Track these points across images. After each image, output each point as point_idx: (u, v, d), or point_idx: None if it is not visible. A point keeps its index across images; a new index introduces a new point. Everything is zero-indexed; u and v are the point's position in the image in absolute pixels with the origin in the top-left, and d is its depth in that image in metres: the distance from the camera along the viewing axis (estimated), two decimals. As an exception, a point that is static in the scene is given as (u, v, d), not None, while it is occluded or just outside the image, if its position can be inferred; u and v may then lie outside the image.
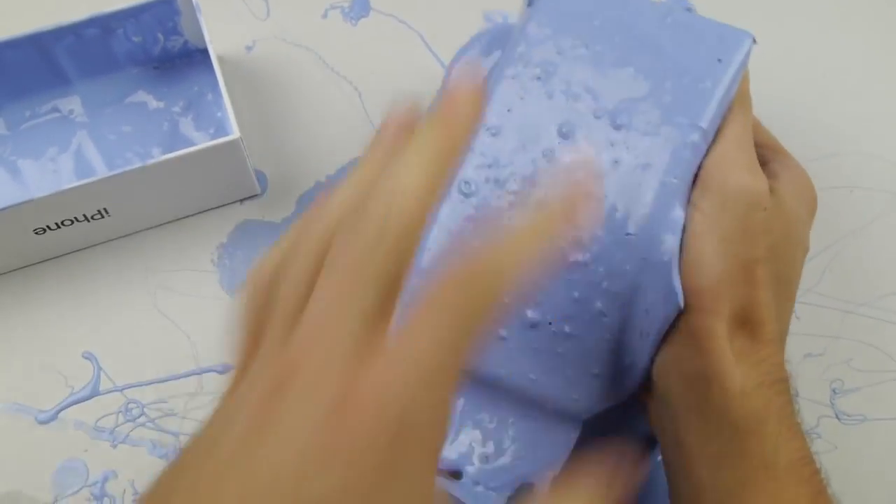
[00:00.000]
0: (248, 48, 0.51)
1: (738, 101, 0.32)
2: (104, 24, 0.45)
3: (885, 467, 0.41)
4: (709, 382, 0.29)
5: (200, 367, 0.43)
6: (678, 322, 0.30)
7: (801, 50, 0.49)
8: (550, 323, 0.32)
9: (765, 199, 0.31)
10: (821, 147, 0.46)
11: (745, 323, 0.30)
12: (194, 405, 0.43)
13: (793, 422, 0.29)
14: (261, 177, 0.47)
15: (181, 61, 0.49)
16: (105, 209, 0.42)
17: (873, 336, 0.43)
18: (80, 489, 0.41)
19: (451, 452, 0.33)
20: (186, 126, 0.47)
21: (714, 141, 0.32)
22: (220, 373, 0.43)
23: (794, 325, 0.42)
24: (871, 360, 0.43)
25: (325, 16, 0.52)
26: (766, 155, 0.34)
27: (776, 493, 0.28)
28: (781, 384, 0.30)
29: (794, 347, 0.43)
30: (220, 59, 0.45)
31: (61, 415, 0.43)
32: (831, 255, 0.44)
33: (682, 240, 0.31)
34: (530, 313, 0.32)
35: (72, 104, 0.48)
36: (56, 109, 0.48)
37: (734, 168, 0.31)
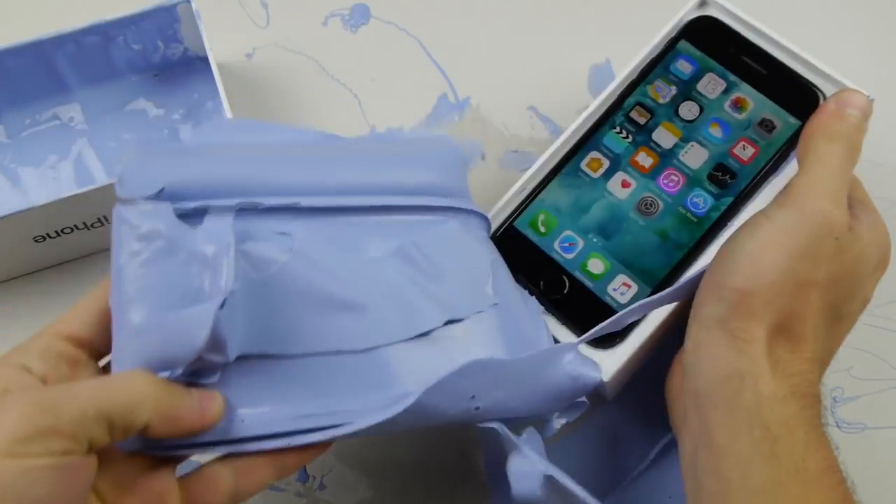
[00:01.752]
0: (249, 55, 0.51)
1: (845, 142, 0.34)
2: (104, 32, 0.45)
3: (886, 475, 0.41)
4: (742, 382, 0.30)
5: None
6: (713, 321, 0.31)
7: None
8: None
9: (839, 230, 0.32)
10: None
11: (788, 335, 0.31)
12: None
13: (821, 433, 0.30)
14: (261, 184, 0.47)
15: (181, 69, 0.49)
16: (105, 217, 0.42)
17: (873, 344, 0.43)
18: (79, 497, 0.41)
19: None
20: (186, 133, 0.47)
21: (808, 166, 0.33)
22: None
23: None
24: (872, 368, 0.43)
25: (325, 23, 0.52)
26: (854, 205, 0.34)
27: (806, 497, 0.28)
28: (813, 398, 0.30)
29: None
30: (221, 66, 0.45)
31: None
32: (831, 263, 0.44)
33: (737, 242, 0.32)
34: None
35: (72, 112, 0.48)
36: (56, 117, 0.48)
37: (819, 193, 0.32)
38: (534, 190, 0.40)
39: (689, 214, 0.38)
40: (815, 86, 0.39)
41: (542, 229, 0.39)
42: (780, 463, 0.29)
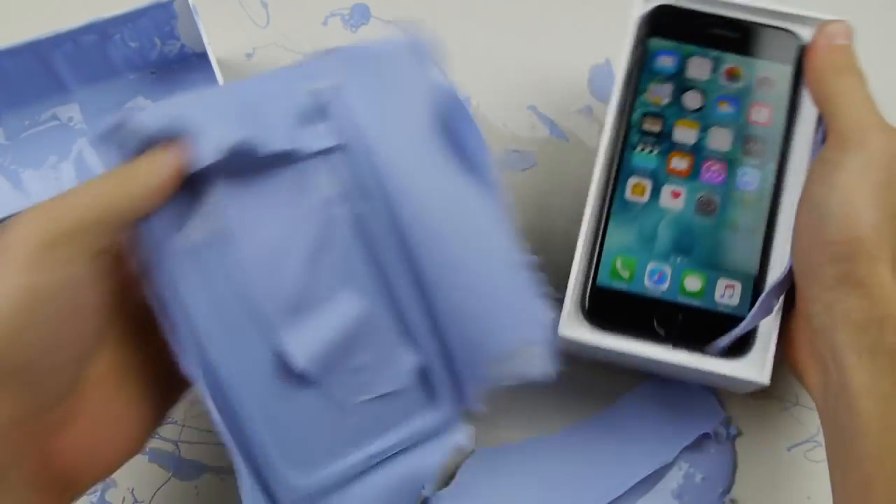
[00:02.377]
0: (248, 55, 0.51)
1: (853, 69, 0.35)
2: (102, 30, 0.45)
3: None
4: (882, 324, 0.31)
5: (200, 375, 0.43)
6: (836, 280, 0.32)
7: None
8: None
9: None
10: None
11: None
12: (194, 413, 0.43)
13: None
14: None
15: (178, 66, 0.49)
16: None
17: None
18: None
19: None
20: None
21: (839, 104, 0.35)
22: (220, 380, 0.43)
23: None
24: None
25: (325, 23, 0.52)
26: None
27: None
28: None
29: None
30: (220, 64, 0.45)
31: (60, 423, 0.43)
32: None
33: (819, 196, 0.33)
34: None
35: (71, 112, 0.48)
36: (55, 117, 0.48)
37: (868, 125, 0.33)
38: (595, 242, 0.38)
39: (746, 195, 0.38)
40: (786, 29, 0.39)
41: (626, 274, 0.37)
42: None
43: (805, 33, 0.39)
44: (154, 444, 0.42)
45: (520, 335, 0.32)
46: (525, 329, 0.32)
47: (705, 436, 0.41)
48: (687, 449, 0.41)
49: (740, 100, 0.39)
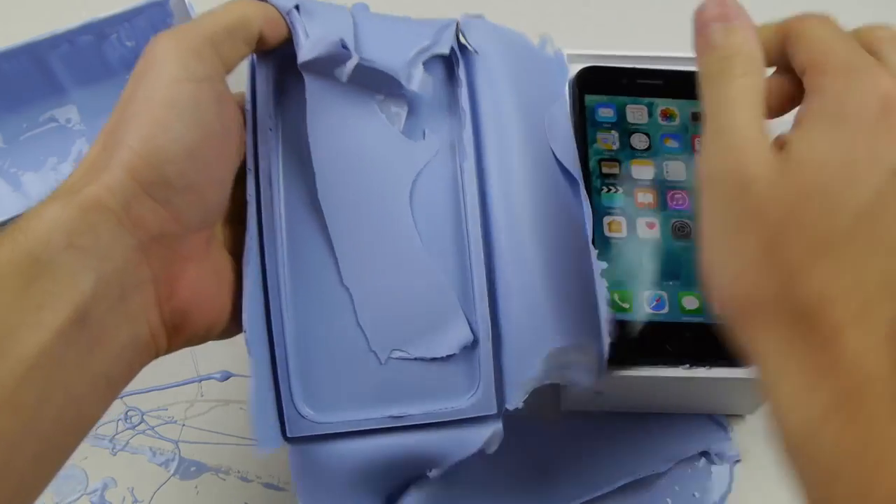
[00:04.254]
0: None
1: (716, 74, 0.26)
2: (98, 31, 0.45)
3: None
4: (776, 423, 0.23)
5: (200, 375, 0.44)
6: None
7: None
8: None
9: (753, 178, 0.24)
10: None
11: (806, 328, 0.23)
12: (194, 412, 0.43)
13: None
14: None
15: (176, 65, 0.49)
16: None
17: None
18: (80, 497, 0.41)
19: None
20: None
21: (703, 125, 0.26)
22: (220, 380, 0.43)
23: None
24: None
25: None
26: (803, 119, 0.25)
27: None
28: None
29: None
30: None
31: (61, 423, 0.43)
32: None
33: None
34: None
35: (69, 113, 0.48)
36: (53, 119, 0.48)
37: (713, 153, 0.25)
38: None
39: None
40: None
41: (626, 305, 0.38)
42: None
43: None
44: (154, 443, 0.42)
45: (576, 340, 0.32)
46: (582, 335, 0.32)
47: (705, 455, 0.42)
48: (684, 463, 0.41)
49: (682, 135, 0.40)
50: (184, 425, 0.43)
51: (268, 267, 0.31)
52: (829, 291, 0.22)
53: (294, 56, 0.31)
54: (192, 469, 0.42)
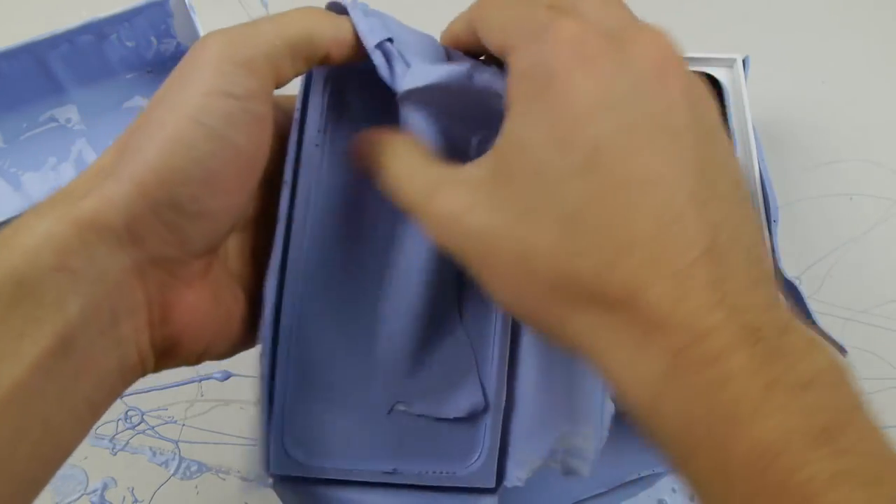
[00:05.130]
0: (248, 54, 0.51)
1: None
2: (98, 31, 0.45)
3: (885, 475, 0.41)
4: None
5: (200, 375, 0.43)
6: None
7: (801, 57, 0.49)
8: None
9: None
10: (820, 154, 0.46)
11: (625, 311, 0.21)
12: (194, 412, 0.43)
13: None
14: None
15: (174, 64, 0.48)
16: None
17: (873, 344, 0.43)
18: (80, 496, 0.41)
19: None
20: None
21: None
22: (220, 380, 0.43)
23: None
24: (871, 367, 0.43)
25: (324, 22, 0.52)
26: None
27: None
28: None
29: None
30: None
31: (61, 423, 0.43)
32: (831, 262, 0.44)
33: None
34: None
35: (69, 113, 0.48)
36: (53, 119, 0.48)
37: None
38: None
39: None
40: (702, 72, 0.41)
41: None
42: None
43: (719, 74, 0.41)
44: (154, 443, 0.42)
45: (584, 426, 0.30)
46: (588, 422, 0.30)
47: None
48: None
49: None
50: (184, 425, 0.43)
51: (286, 291, 0.29)
52: (612, 276, 0.21)
53: (352, 71, 0.28)
54: (192, 469, 0.42)
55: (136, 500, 0.41)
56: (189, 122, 0.23)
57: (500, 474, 0.31)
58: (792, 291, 0.35)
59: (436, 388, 0.30)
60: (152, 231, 0.24)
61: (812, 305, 0.39)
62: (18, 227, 0.22)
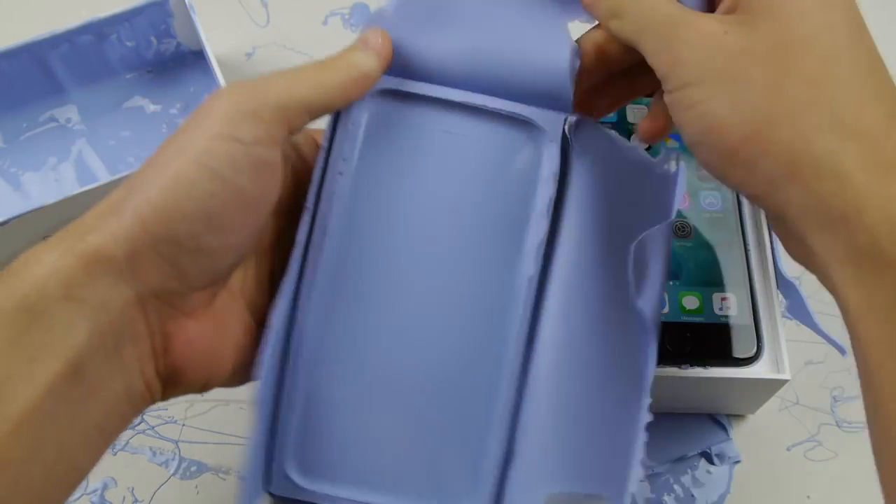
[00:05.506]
0: (248, 55, 0.51)
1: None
2: (98, 30, 0.45)
3: (886, 475, 0.41)
4: (849, 221, 0.23)
5: (200, 375, 0.43)
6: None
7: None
8: None
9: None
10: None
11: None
12: (194, 412, 0.43)
13: None
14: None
15: (174, 64, 0.49)
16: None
17: (874, 343, 0.43)
18: (80, 497, 0.41)
19: None
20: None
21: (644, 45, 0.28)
22: (220, 380, 0.43)
23: (795, 333, 0.42)
24: (872, 367, 0.43)
25: (325, 22, 0.52)
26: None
27: None
28: None
29: (795, 355, 0.43)
30: (220, 63, 0.45)
31: (61, 422, 0.43)
32: (832, 262, 0.44)
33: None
34: None
35: (69, 113, 0.48)
36: (53, 119, 0.48)
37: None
38: None
39: (713, 215, 0.41)
40: None
41: None
42: None
43: None
44: (154, 443, 0.42)
45: (595, 489, 0.30)
46: (604, 486, 0.30)
47: (705, 455, 0.42)
48: (683, 463, 0.41)
49: None
50: (184, 425, 0.43)
51: (300, 316, 0.29)
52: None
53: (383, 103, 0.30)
54: (192, 469, 0.42)
55: (136, 500, 0.41)
56: (192, 163, 0.25)
57: None
58: (792, 291, 0.35)
59: (439, 421, 0.30)
60: (152, 264, 0.25)
61: (812, 305, 0.39)
62: (29, 258, 0.24)
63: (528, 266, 0.30)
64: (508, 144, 0.30)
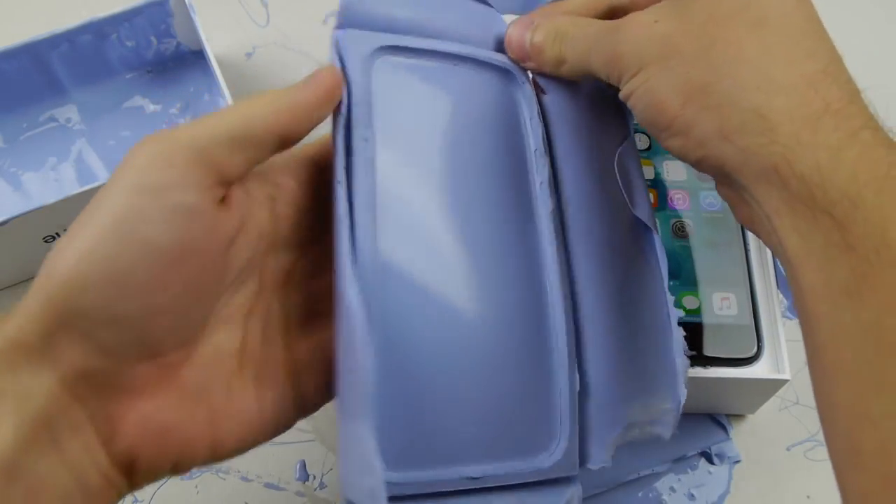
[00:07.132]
0: (248, 54, 0.51)
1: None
2: (98, 30, 0.45)
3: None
4: (779, 172, 0.24)
5: (200, 375, 0.43)
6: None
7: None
8: None
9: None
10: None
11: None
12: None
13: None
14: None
15: (174, 64, 0.49)
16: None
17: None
18: (80, 497, 0.41)
19: None
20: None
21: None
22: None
23: (795, 333, 0.42)
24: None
25: (325, 22, 0.52)
26: None
27: None
28: (859, 132, 0.24)
29: (795, 355, 0.43)
30: (220, 63, 0.45)
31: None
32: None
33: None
34: None
35: (69, 113, 0.48)
36: (53, 119, 0.48)
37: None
38: None
39: (713, 215, 0.40)
40: None
41: None
42: (858, 249, 0.23)
43: None
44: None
45: (658, 392, 0.30)
46: (662, 387, 0.30)
47: (705, 455, 0.42)
48: (683, 463, 0.41)
49: None
50: (184, 425, 0.43)
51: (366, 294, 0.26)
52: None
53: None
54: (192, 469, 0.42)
55: (136, 500, 0.41)
56: (95, 225, 0.23)
57: (581, 459, 0.30)
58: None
59: (500, 382, 0.29)
60: (69, 343, 0.22)
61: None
62: None
63: (545, 202, 0.31)
64: (493, 90, 0.32)
